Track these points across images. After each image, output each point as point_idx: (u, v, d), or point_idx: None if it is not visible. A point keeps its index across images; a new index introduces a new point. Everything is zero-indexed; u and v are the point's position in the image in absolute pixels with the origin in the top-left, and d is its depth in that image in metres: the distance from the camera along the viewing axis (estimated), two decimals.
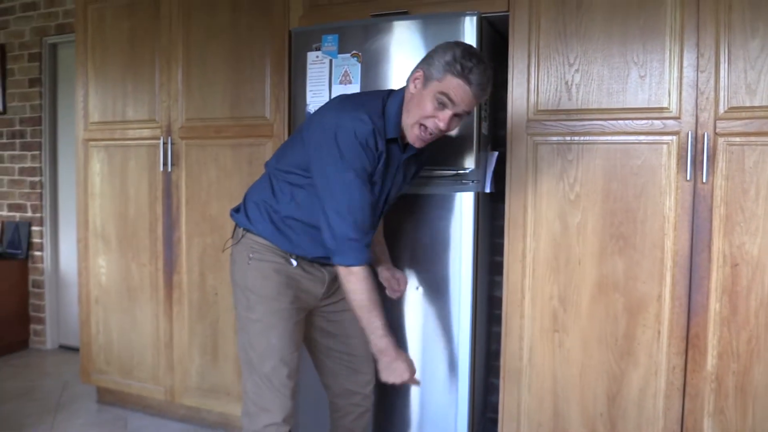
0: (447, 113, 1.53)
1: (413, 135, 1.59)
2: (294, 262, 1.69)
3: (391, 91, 1.67)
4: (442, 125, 1.54)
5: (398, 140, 1.63)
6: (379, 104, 1.61)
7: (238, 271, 1.71)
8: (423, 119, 1.55)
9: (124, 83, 2.70)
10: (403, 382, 1.62)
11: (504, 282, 2.05)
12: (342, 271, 1.57)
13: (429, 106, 1.53)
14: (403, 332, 2.10)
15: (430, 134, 1.58)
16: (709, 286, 1.80)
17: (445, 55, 1.51)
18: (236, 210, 1.77)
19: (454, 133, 1.99)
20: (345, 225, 1.53)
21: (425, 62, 1.56)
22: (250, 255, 1.68)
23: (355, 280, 1.56)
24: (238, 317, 1.71)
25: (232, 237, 1.76)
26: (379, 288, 1.67)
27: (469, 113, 1.58)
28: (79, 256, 2.87)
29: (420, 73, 1.56)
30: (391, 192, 1.71)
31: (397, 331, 2.10)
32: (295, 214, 1.65)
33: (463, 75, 1.49)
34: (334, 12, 2.25)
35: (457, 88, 1.50)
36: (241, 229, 1.72)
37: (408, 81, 1.61)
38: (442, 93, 1.51)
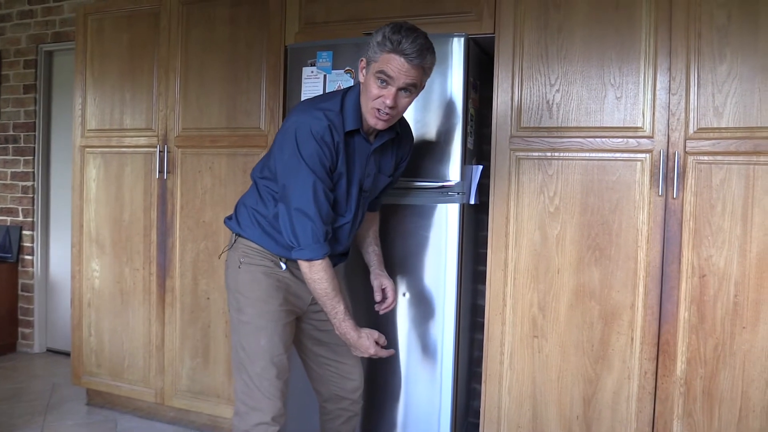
0: (391, 90, 1.57)
1: (372, 119, 1.64)
2: (283, 266, 1.76)
3: (351, 87, 1.74)
4: (388, 101, 1.58)
5: (360, 131, 1.70)
6: (338, 101, 1.68)
7: (231, 275, 1.79)
8: (373, 102, 1.60)
9: (122, 92, 2.78)
10: (372, 356, 1.72)
11: (487, 290, 2.14)
12: (303, 264, 1.65)
13: (373, 88, 1.59)
14: (389, 336, 2.18)
15: (385, 114, 1.61)
16: (678, 296, 1.91)
17: (377, 36, 1.58)
18: (229, 217, 1.85)
19: (433, 136, 2.09)
20: (304, 222, 1.61)
21: (366, 50, 1.62)
22: (241, 259, 1.76)
23: (316, 271, 1.64)
24: (231, 319, 1.79)
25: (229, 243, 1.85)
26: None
27: (417, 86, 1.61)
28: (73, 259, 2.92)
29: (363, 61, 1.64)
30: (364, 182, 1.76)
31: (385, 333, 2.17)
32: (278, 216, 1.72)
33: (394, 48, 1.54)
34: (329, 30, 2.35)
35: (391, 62, 1.55)
36: (234, 234, 1.81)
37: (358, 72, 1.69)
38: (380, 71, 1.56)
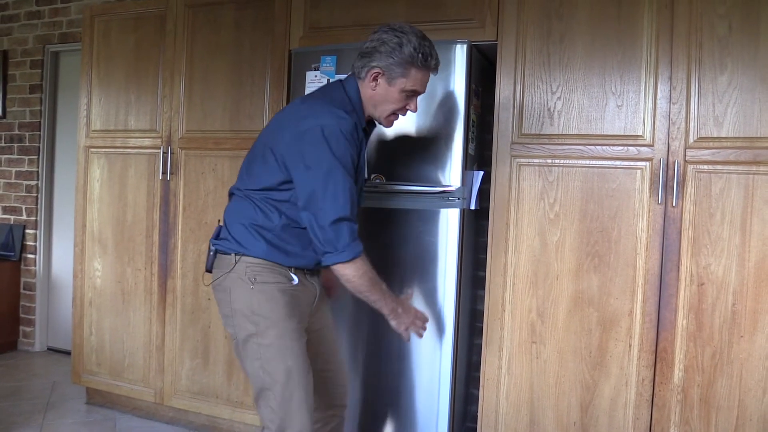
0: (415, 99, 1.71)
1: (387, 122, 1.73)
2: (295, 279, 1.68)
3: (340, 83, 1.72)
4: (413, 108, 1.71)
5: (365, 127, 1.75)
6: (345, 98, 1.69)
7: (240, 297, 1.65)
8: (397, 110, 1.71)
9: (127, 93, 2.80)
10: (407, 327, 1.74)
11: (486, 295, 2.15)
12: (343, 266, 1.59)
13: (400, 99, 1.68)
14: (390, 340, 2.19)
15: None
16: (677, 304, 1.92)
17: (403, 48, 1.60)
18: (217, 237, 1.72)
19: (435, 141, 2.10)
20: (341, 225, 1.56)
21: (380, 59, 1.62)
22: (254, 278, 1.64)
23: (359, 267, 1.60)
24: (243, 345, 1.66)
25: (214, 267, 1.72)
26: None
27: None
28: (75, 258, 2.94)
29: (378, 72, 1.64)
30: (364, 175, 1.80)
31: (384, 337, 2.19)
32: (287, 226, 1.67)
33: (426, 64, 1.64)
34: (333, 35, 2.37)
35: (423, 78, 1.67)
36: (233, 255, 1.67)
37: (363, 76, 1.67)
38: (411, 88, 1.66)
